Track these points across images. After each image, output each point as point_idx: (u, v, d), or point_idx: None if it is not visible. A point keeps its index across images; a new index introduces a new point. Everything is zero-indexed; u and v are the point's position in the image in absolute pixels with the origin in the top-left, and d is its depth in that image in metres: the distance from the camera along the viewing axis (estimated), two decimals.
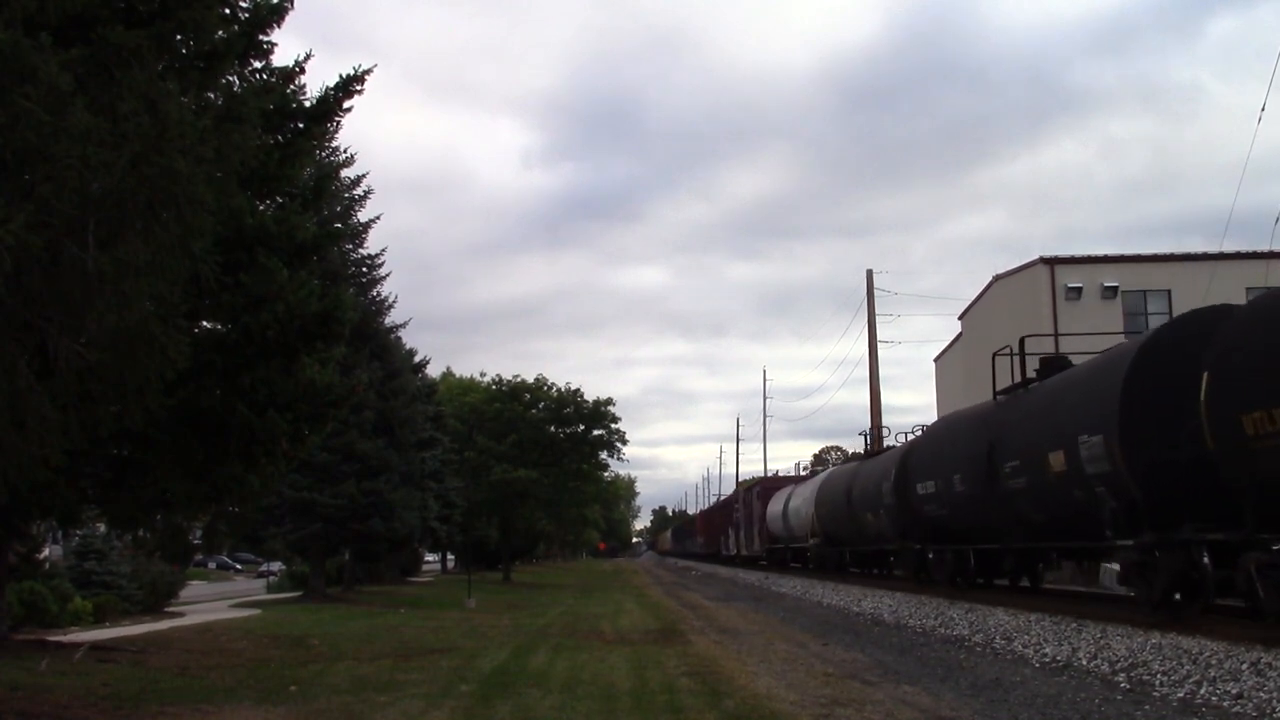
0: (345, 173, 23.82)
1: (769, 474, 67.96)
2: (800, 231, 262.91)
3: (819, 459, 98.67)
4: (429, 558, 56.05)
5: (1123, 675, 9.47)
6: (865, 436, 42.76)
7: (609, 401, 43.98)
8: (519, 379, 44.33)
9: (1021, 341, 18.90)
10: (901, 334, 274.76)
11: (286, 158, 10.76)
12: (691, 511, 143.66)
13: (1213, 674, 9.03)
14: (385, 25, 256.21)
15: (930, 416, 35.25)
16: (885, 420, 37.96)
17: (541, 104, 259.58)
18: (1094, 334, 21.71)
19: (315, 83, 11.55)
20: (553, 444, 43.43)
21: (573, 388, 43.99)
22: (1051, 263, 36.70)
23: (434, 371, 43.95)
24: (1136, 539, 13.23)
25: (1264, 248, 30.06)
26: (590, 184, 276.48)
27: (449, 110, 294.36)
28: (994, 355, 20.00)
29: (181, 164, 5.92)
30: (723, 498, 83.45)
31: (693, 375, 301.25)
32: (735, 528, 57.00)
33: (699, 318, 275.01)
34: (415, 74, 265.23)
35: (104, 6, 7.15)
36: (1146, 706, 7.96)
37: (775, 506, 42.25)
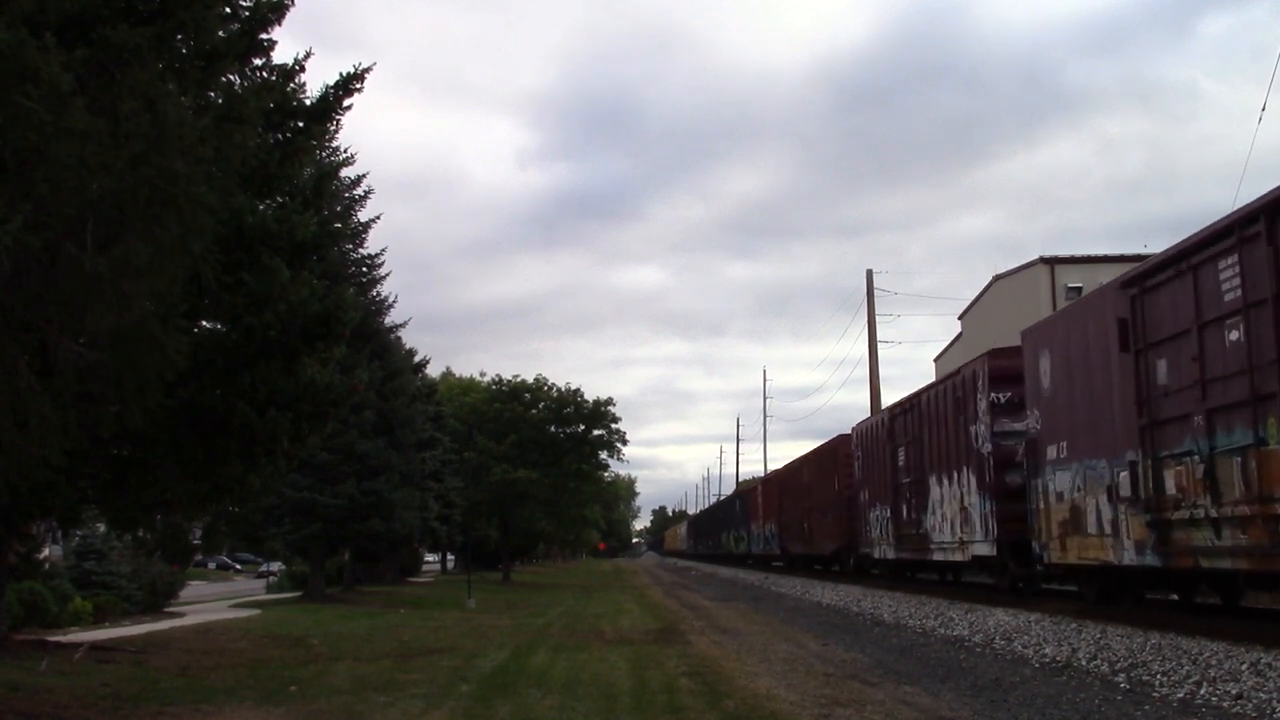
0: (344, 173, 23.83)
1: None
2: (797, 231, 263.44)
3: None
4: (429, 558, 56.04)
5: (1122, 675, 9.46)
6: None
7: (609, 401, 43.92)
8: (519, 379, 44.30)
9: None
10: (899, 334, 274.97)
11: (287, 156, 10.76)
12: (693, 510, 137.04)
13: (1212, 674, 9.03)
14: (378, 24, 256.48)
15: None
16: None
17: (536, 103, 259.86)
18: None
19: (311, 82, 11.54)
20: (553, 444, 43.36)
21: (573, 388, 44.04)
22: (1051, 262, 36.76)
23: (434, 371, 44.01)
24: None
25: None
26: (586, 183, 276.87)
27: (443, 109, 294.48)
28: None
29: (180, 165, 5.92)
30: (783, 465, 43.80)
31: (691, 375, 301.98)
32: (951, 476, 20.41)
33: (696, 317, 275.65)
34: (409, 73, 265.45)
35: (104, 6, 7.13)
36: (1146, 707, 7.96)
37: None
